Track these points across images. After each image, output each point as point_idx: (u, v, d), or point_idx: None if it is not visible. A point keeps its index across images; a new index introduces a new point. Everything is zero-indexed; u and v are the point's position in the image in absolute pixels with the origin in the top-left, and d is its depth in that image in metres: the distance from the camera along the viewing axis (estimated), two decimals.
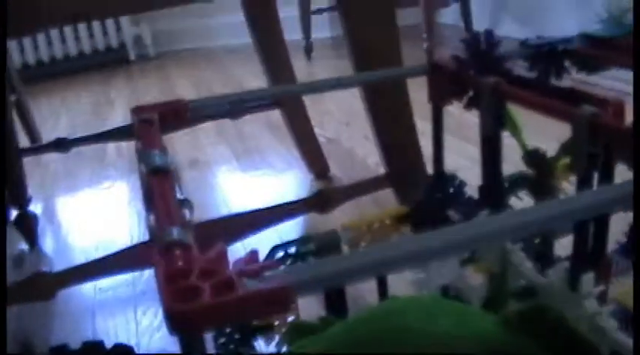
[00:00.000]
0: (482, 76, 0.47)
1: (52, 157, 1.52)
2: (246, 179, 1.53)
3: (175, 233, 0.24)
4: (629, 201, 0.30)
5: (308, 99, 1.40)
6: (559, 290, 0.40)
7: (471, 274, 0.52)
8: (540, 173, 0.46)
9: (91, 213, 1.46)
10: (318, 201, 0.95)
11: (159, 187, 0.29)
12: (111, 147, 1.82)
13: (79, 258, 0.97)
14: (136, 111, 0.42)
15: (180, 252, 0.23)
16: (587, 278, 0.38)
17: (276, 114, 1.46)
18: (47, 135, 1.68)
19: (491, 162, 0.48)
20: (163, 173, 0.31)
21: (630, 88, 0.39)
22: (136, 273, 1.17)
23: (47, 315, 1.06)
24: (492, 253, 0.46)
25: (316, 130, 1.48)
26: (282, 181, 1.50)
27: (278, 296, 0.21)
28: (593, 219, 0.40)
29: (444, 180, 0.55)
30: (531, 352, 0.34)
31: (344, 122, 1.82)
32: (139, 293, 1.13)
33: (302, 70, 2.35)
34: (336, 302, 0.44)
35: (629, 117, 0.38)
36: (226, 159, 1.67)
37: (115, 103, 2.35)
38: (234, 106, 0.96)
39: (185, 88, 2.49)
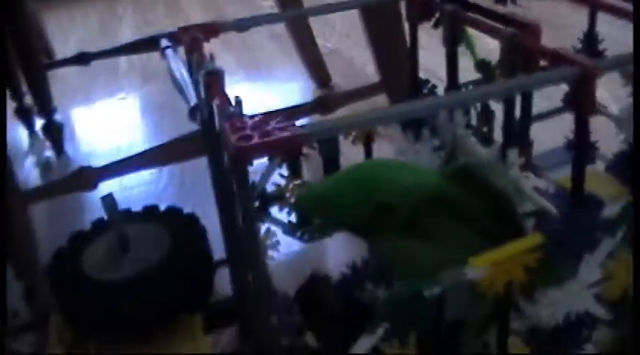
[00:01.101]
0: (444, 2, 0.62)
1: (66, 72, 1.57)
2: (252, 88, 1.65)
3: (233, 108, 0.40)
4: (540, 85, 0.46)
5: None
6: (494, 163, 0.56)
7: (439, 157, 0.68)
8: (486, 76, 0.61)
9: (109, 123, 1.59)
10: (319, 106, 1.10)
11: (216, 83, 0.45)
12: (123, 61, 1.89)
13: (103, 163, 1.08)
14: (184, 29, 0.57)
15: (237, 118, 0.39)
16: (513, 152, 0.54)
17: (280, 26, 1.57)
18: (59, 53, 1.75)
19: (452, 69, 0.64)
20: (218, 74, 0.46)
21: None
22: (156, 174, 1.33)
23: (78, 211, 1.20)
24: (450, 139, 0.62)
25: (318, 41, 1.59)
26: (286, 90, 1.62)
27: (299, 139, 0.37)
28: (521, 106, 0.57)
29: (419, 84, 0.71)
30: (464, 199, 0.50)
31: (345, 33, 1.91)
32: (161, 190, 1.28)
33: None
34: (331, 168, 0.61)
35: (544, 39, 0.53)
36: (232, 70, 1.76)
37: (123, 19, 2.38)
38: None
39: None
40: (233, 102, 0.46)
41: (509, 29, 0.53)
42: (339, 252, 0.96)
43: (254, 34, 1.90)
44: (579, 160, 0.48)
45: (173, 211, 0.64)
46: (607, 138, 0.80)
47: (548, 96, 0.70)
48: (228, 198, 0.54)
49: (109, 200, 0.59)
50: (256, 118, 0.39)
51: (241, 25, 0.68)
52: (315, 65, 1.55)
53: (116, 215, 0.60)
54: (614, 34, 0.72)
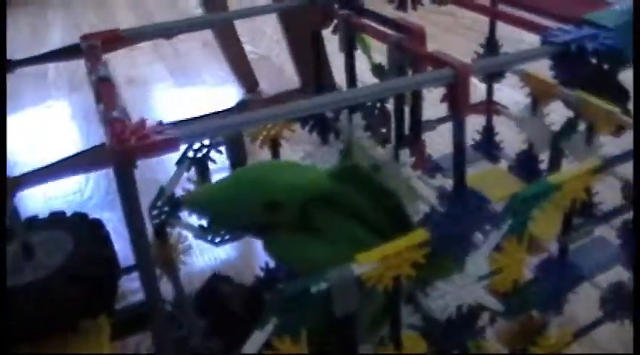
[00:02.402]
0: (341, 9, 0.65)
1: None
2: (181, 94, 1.66)
3: (116, 113, 0.41)
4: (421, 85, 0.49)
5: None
6: (388, 162, 0.58)
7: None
8: (381, 79, 0.64)
9: (36, 130, 1.58)
10: (240, 111, 1.12)
11: (106, 89, 0.46)
12: (51, 68, 1.88)
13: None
14: (84, 37, 0.58)
15: (119, 122, 0.40)
16: (404, 152, 0.57)
17: (209, 33, 1.58)
18: None
19: (350, 73, 0.67)
20: (107, 80, 0.47)
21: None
22: (83, 182, 1.32)
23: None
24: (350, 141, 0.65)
25: (248, 47, 1.60)
26: (214, 96, 1.63)
27: (172, 142, 0.39)
28: (411, 108, 0.59)
29: (326, 88, 0.73)
30: (350, 196, 0.52)
31: (275, 39, 1.93)
32: (86, 199, 1.28)
33: None
34: None
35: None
36: (162, 77, 1.78)
37: (53, 25, 2.36)
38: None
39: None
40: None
41: (395, 34, 0.55)
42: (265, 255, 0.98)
43: (186, 42, 1.91)
44: (458, 158, 0.51)
45: (78, 217, 0.64)
46: (512, 138, 0.84)
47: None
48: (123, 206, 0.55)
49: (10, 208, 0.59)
50: (136, 122, 0.40)
51: (150, 32, 0.68)
52: (243, 71, 1.56)
53: (18, 222, 0.60)
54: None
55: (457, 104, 0.47)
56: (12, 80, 1.59)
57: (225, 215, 0.53)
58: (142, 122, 0.40)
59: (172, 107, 1.58)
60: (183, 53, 1.92)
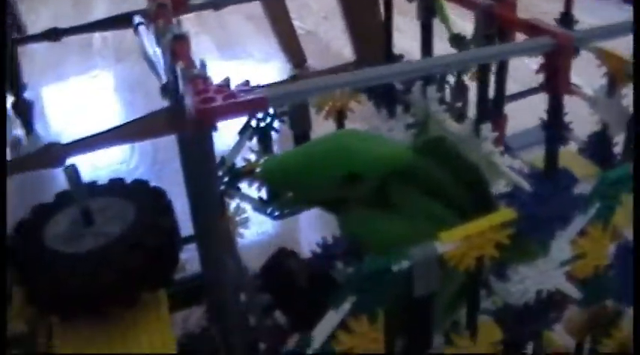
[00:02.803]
0: None
1: (36, 48, 1.56)
2: (229, 67, 1.64)
3: (197, 71, 0.39)
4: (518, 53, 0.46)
5: None
6: (467, 136, 0.55)
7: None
8: (460, 49, 0.60)
9: (81, 100, 1.57)
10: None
11: (182, 47, 0.43)
12: (97, 37, 1.87)
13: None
14: (151, 2, 0.55)
15: (202, 80, 0.38)
16: (486, 127, 0.53)
17: (257, 7, 1.56)
18: (30, 29, 1.71)
19: (426, 43, 0.63)
20: (183, 38, 0.44)
21: None
22: (128, 152, 1.31)
23: (46, 185, 1.18)
24: (423, 115, 0.62)
25: (295, 23, 1.58)
26: (262, 70, 1.62)
27: (260, 102, 0.36)
28: (495, 81, 0.56)
29: (393, 59, 0.70)
30: (435, 172, 0.49)
31: (322, 16, 1.91)
32: (133, 169, 1.27)
33: None
34: (302, 143, 0.60)
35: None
36: (208, 48, 1.76)
37: None
38: None
39: None
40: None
41: (485, 0, 0.52)
42: (312, 231, 0.95)
43: (231, 14, 1.89)
44: (552, 136, 0.47)
45: (139, 185, 0.62)
46: (581, 120, 0.80)
47: (522, 82, 0.69)
48: (196, 172, 0.52)
49: (71, 171, 0.57)
50: (221, 82, 0.38)
51: (214, 2, 0.66)
52: (291, 46, 1.54)
53: (79, 187, 0.58)
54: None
55: (556, 78, 0.44)
56: (56, 50, 1.60)
57: (302, 186, 0.50)
58: (227, 81, 0.37)
59: (219, 80, 1.55)
60: (228, 26, 1.90)
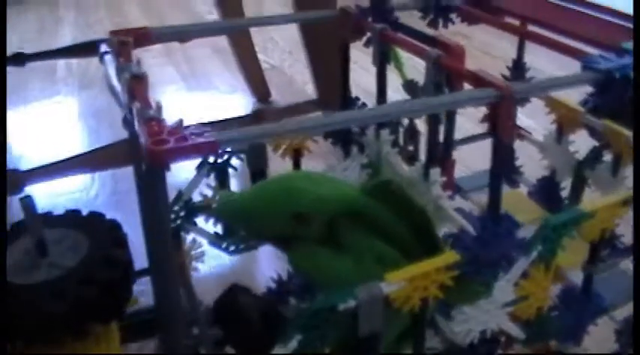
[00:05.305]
0: (375, 22, 0.63)
1: None
2: (193, 99, 1.65)
3: (152, 112, 0.40)
4: (463, 104, 0.48)
5: (254, 27, 1.51)
6: (416, 181, 0.57)
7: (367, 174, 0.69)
8: (413, 96, 0.63)
9: (43, 126, 1.56)
10: (255, 119, 1.11)
11: (139, 87, 0.45)
12: (61, 64, 1.87)
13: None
14: (113, 33, 0.56)
15: (155, 122, 0.39)
16: (435, 171, 0.56)
17: (223, 40, 1.58)
18: None
19: (381, 87, 0.65)
20: (141, 78, 0.46)
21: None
22: (89, 181, 1.30)
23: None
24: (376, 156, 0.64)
25: (260, 57, 1.59)
26: (226, 102, 1.62)
27: (211, 146, 0.37)
28: (444, 126, 0.58)
29: (350, 101, 0.72)
30: (383, 214, 0.51)
31: (287, 50, 1.93)
32: (92, 198, 1.26)
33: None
34: (259, 180, 0.61)
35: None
36: (173, 80, 1.77)
37: (64, 21, 2.34)
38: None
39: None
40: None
41: (433, 50, 0.54)
42: (268, 266, 0.96)
43: (197, 47, 1.90)
44: (495, 181, 0.49)
45: (95, 217, 0.62)
46: (534, 163, 0.83)
47: (476, 121, 0.72)
48: (151, 206, 0.53)
49: (26, 202, 0.57)
50: (174, 123, 0.39)
51: (176, 32, 0.67)
52: (256, 80, 1.56)
53: (34, 218, 0.58)
54: (542, 66, 0.74)
55: (500, 125, 0.46)
56: (20, 75, 1.59)
57: (253, 223, 0.51)
58: (180, 123, 0.38)
59: (183, 111, 1.56)
60: (194, 58, 1.91)
